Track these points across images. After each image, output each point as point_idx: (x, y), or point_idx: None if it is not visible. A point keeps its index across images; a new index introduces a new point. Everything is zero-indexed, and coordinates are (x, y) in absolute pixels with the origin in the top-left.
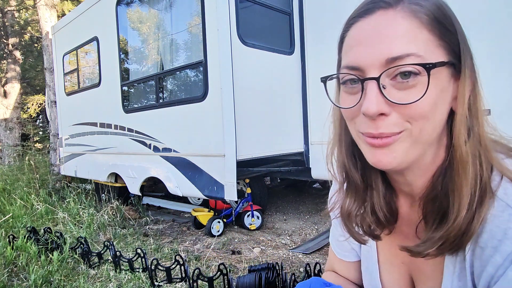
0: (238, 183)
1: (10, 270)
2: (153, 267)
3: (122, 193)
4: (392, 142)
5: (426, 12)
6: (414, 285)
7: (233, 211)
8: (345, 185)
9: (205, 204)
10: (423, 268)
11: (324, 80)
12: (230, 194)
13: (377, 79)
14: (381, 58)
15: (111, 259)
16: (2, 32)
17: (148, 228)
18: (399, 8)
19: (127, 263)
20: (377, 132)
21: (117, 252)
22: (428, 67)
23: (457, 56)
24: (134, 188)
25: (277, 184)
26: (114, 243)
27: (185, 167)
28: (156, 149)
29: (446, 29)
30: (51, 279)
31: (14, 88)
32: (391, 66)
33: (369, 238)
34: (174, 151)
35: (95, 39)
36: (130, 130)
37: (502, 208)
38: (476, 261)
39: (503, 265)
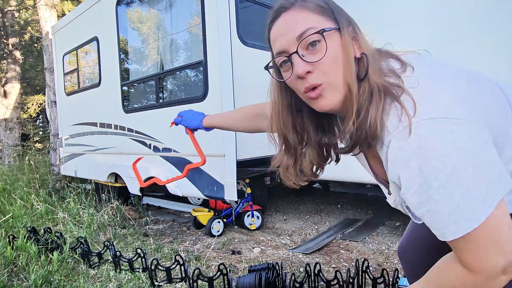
0: (238, 183)
1: (10, 270)
2: (153, 267)
3: (122, 193)
4: (321, 92)
5: (311, 2)
6: None
7: (233, 211)
8: (283, 146)
9: (205, 204)
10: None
11: (266, 68)
12: (230, 194)
13: (296, 52)
14: (293, 38)
15: (111, 259)
16: (2, 32)
17: (148, 228)
18: (294, 7)
19: (127, 263)
20: (309, 84)
21: (117, 252)
22: (321, 32)
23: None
24: (134, 188)
25: (277, 184)
26: (114, 243)
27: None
28: (156, 149)
29: (325, 9)
30: (51, 279)
31: (14, 88)
32: (301, 39)
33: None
34: (174, 151)
35: (95, 39)
36: (130, 130)
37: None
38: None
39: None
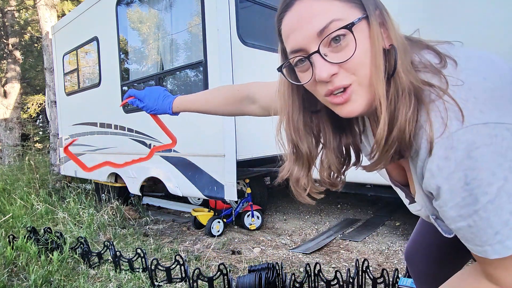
0: (238, 183)
1: (10, 270)
2: (153, 267)
3: (122, 193)
4: (349, 95)
5: None
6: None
7: (233, 211)
8: (293, 155)
9: (205, 204)
10: (406, 165)
11: (280, 69)
12: (230, 194)
13: (318, 52)
14: (312, 34)
15: (111, 259)
16: (2, 32)
17: (148, 228)
18: None
19: (127, 263)
20: (333, 87)
21: (117, 252)
22: (349, 26)
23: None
24: (134, 188)
25: (277, 184)
26: (114, 243)
27: (185, 167)
28: None
29: None
30: (51, 279)
31: (14, 88)
32: (323, 37)
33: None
34: (174, 151)
35: (95, 39)
36: (130, 130)
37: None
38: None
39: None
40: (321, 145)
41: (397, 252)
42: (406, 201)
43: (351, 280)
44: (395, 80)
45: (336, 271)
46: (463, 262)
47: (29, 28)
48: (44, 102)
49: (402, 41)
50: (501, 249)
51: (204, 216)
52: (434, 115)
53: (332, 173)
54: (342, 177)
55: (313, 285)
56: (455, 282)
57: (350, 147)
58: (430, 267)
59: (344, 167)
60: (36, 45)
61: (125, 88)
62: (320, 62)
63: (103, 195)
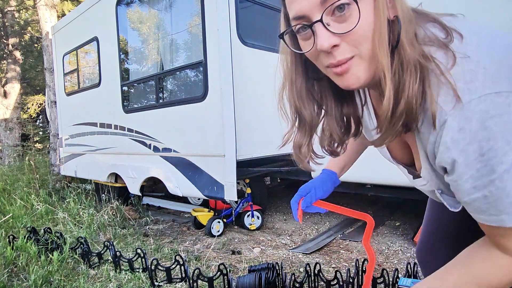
0: (238, 183)
1: (10, 270)
2: (153, 267)
3: (122, 193)
4: (349, 67)
5: None
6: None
7: (233, 211)
8: (296, 122)
9: (205, 204)
10: (411, 141)
11: (281, 36)
12: (230, 194)
13: (320, 20)
14: (316, 1)
15: (111, 259)
16: (2, 32)
17: (148, 228)
18: None
19: (127, 263)
20: (336, 61)
21: (117, 252)
22: None
23: None
24: (134, 188)
25: (277, 184)
26: (114, 243)
27: (185, 167)
28: (156, 149)
29: None
30: (51, 279)
31: (14, 88)
32: (326, 5)
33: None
34: (174, 151)
35: (95, 39)
36: (130, 130)
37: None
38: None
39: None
40: (323, 113)
41: (397, 252)
42: (408, 176)
43: (351, 280)
44: (399, 52)
45: (336, 271)
46: None
47: (29, 28)
48: (44, 102)
49: (408, 13)
50: None
51: (204, 216)
52: (444, 88)
53: (333, 141)
54: (343, 145)
55: (313, 285)
56: (466, 256)
57: (351, 117)
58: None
59: (345, 136)
60: (36, 45)
61: (125, 88)
62: (322, 32)
63: (103, 195)
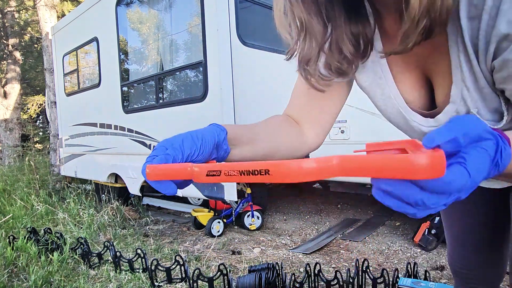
0: (238, 183)
1: (10, 270)
2: (153, 267)
3: (122, 193)
4: None
5: None
6: (431, 85)
7: (233, 211)
8: (301, 36)
9: (205, 204)
10: (436, 60)
11: None
12: (230, 194)
13: None
14: None
15: (111, 260)
16: (2, 33)
17: (148, 228)
18: None
19: (127, 264)
20: None
21: (117, 253)
22: None
23: None
24: (134, 189)
25: (277, 184)
26: (114, 243)
27: None
28: None
29: None
30: (51, 279)
31: (14, 89)
32: None
33: (336, 76)
34: None
35: (95, 39)
36: (130, 130)
37: None
38: (473, 25)
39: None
40: (329, 30)
41: (397, 252)
42: (419, 121)
43: (351, 280)
44: None
45: (336, 271)
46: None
47: (29, 28)
48: (44, 102)
49: None
50: None
51: (204, 216)
52: None
53: (343, 58)
54: (352, 66)
55: (313, 285)
56: None
57: (360, 36)
58: (481, 267)
59: (355, 53)
60: (36, 45)
61: (125, 88)
62: None
63: (103, 195)
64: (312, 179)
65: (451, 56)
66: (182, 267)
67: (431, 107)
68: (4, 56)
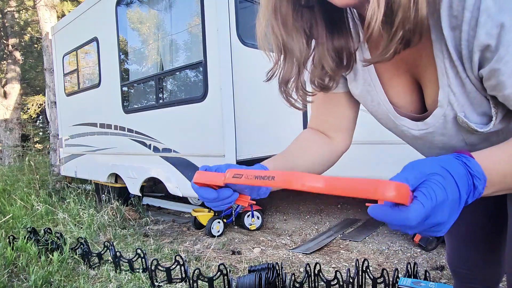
0: None
1: (10, 270)
2: (153, 267)
3: (122, 193)
4: None
5: None
6: (420, 89)
7: (233, 211)
8: (281, 57)
9: (205, 204)
10: (423, 65)
11: None
12: None
13: None
14: None
15: (111, 260)
16: (2, 33)
17: (148, 228)
18: None
19: (127, 264)
20: None
21: (117, 253)
22: None
23: None
24: (134, 189)
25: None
26: (114, 243)
27: (185, 167)
28: (156, 149)
29: None
30: (51, 279)
31: (14, 89)
32: None
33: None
34: (174, 151)
35: (95, 39)
36: (130, 130)
37: None
38: (455, 34)
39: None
40: (312, 46)
41: (397, 252)
42: (409, 125)
43: (351, 280)
44: None
45: (336, 271)
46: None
47: (29, 28)
48: (44, 102)
49: None
50: None
51: (204, 216)
52: None
53: (325, 74)
54: (335, 80)
55: (313, 285)
56: None
57: (343, 50)
58: (480, 267)
59: (337, 69)
60: (36, 45)
61: (125, 88)
62: None
63: (103, 195)
64: (304, 190)
65: (437, 63)
66: (182, 267)
67: (423, 111)
68: (4, 56)
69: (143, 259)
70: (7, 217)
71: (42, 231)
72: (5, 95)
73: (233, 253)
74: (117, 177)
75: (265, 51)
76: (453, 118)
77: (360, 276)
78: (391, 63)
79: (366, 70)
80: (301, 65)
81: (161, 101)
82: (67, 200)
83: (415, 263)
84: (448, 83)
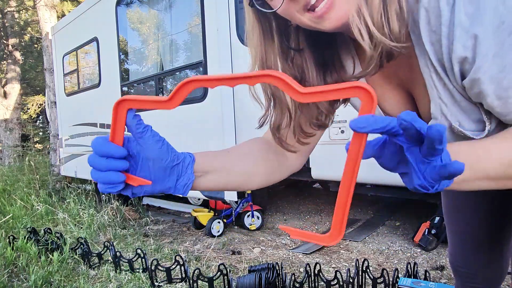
0: None
1: (10, 270)
2: (153, 267)
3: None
4: (331, 6)
5: None
6: (414, 101)
7: (233, 212)
8: (271, 104)
9: (205, 204)
10: (413, 79)
11: (252, 4)
12: (230, 194)
13: None
14: None
15: (111, 260)
16: (2, 33)
17: (148, 228)
18: None
19: (127, 264)
20: None
21: (117, 253)
22: None
23: None
24: None
25: (277, 184)
26: (114, 243)
27: None
28: None
29: None
30: (51, 279)
31: (14, 89)
32: None
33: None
34: None
35: (95, 39)
36: None
37: None
38: (436, 48)
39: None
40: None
41: (397, 252)
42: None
43: (351, 280)
44: None
45: (336, 271)
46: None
47: (29, 28)
48: (44, 102)
49: None
50: None
51: (204, 216)
52: None
53: (321, 113)
54: (332, 116)
55: (313, 285)
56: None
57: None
58: (481, 265)
59: (332, 105)
60: (36, 45)
61: (125, 88)
62: None
63: (103, 195)
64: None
65: (425, 76)
66: (182, 267)
67: None
68: (4, 56)
69: (143, 259)
70: (7, 217)
71: (42, 231)
72: (5, 95)
73: (233, 253)
74: None
75: (255, 98)
76: (448, 128)
77: (360, 276)
78: (383, 78)
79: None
80: (292, 110)
81: None
82: (67, 200)
83: (415, 263)
84: (438, 95)
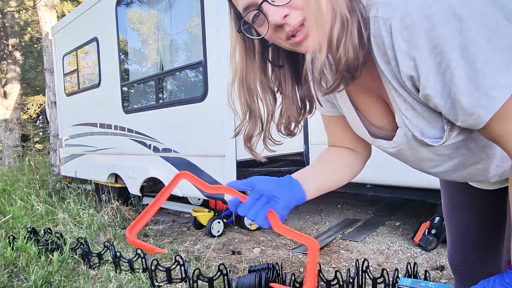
0: None
1: (10, 270)
2: (153, 267)
3: (122, 193)
4: (308, 30)
5: None
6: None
7: (233, 212)
8: (247, 116)
9: (205, 204)
10: (385, 93)
11: (240, 30)
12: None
13: (265, 0)
14: None
15: (111, 260)
16: (2, 33)
17: (148, 228)
18: None
19: (127, 264)
20: (291, 27)
21: (117, 253)
22: None
23: None
24: (134, 189)
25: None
26: (114, 243)
27: (185, 167)
28: (156, 149)
29: None
30: (51, 279)
31: (14, 89)
32: None
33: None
34: (174, 151)
35: (95, 39)
36: (130, 130)
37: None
38: (389, 68)
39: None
40: (277, 102)
41: (397, 252)
42: (386, 144)
43: (351, 280)
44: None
45: (336, 271)
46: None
47: (29, 29)
48: (44, 102)
49: None
50: (489, 103)
51: (204, 216)
52: (378, 5)
53: (290, 123)
54: (299, 126)
55: None
56: None
57: (305, 97)
58: (479, 265)
59: (301, 115)
60: (36, 45)
61: (125, 88)
62: (271, 9)
63: (103, 195)
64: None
65: (387, 92)
66: (182, 267)
67: None
68: (4, 56)
69: (143, 259)
70: (7, 217)
71: (42, 231)
72: (5, 95)
73: (233, 253)
74: (117, 177)
75: (232, 109)
76: (413, 136)
77: (360, 276)
78: (361, 92)
79: (342, 99)
80: (263, 122)
81: (161, 101)
82: (67, 200)
83: (415, 263)
84: (399, 108)
